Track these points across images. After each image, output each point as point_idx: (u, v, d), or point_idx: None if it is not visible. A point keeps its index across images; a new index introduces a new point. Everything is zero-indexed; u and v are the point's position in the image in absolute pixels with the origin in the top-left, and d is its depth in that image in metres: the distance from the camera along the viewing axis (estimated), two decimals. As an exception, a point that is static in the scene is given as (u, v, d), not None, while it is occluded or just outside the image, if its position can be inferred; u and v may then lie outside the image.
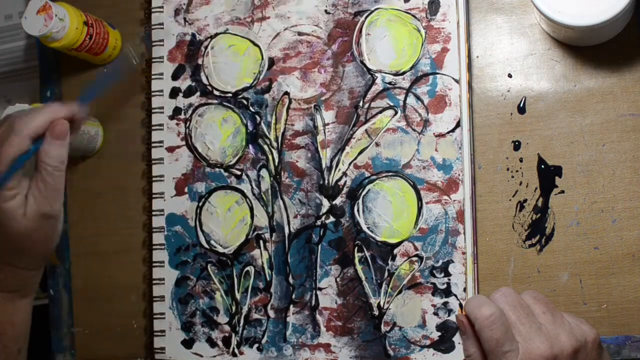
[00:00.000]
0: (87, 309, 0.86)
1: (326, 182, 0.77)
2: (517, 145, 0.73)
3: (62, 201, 0.69)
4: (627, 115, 0.70)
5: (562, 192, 0.71)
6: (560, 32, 0.70)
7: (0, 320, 0.70)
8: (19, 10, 1.00)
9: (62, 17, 0.77)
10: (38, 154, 0.66)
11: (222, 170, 0.80)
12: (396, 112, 0.75)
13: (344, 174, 0.76)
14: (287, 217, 0.78)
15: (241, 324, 0.78)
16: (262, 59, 0.79)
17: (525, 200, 0.72)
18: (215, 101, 0.80)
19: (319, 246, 0.76)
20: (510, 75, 0.73)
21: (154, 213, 0.82)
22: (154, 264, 0.81)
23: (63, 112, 0.67)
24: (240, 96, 0.79)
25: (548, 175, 0.72)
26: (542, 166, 0.72)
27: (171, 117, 0.82)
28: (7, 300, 0.70)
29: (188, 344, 0.80)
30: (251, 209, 0.79)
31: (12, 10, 1.01)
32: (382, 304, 0.74)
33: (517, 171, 0.73)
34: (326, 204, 0.76)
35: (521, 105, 0.73)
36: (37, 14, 0.76)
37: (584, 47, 0.71)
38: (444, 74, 0.74)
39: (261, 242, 0.78)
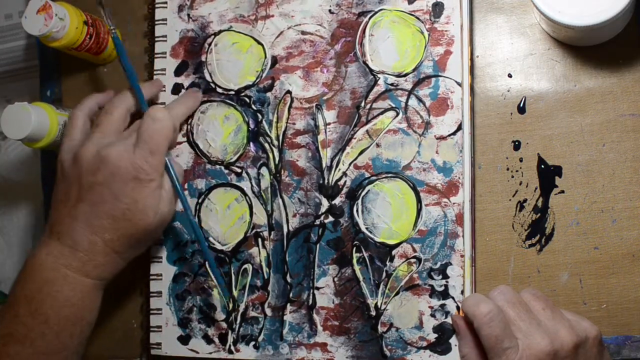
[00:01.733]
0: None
1: (326, 181, 0.77)
2: (517, 145, 0.73)
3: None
4: (627, 115, 0.71)
5: (562, 192, 0.72)
6: (560, 32, 0.70)
7: (84, 306, 0.71)
8: (19, 9, 1.01)
9: (62, 16, 0.77)
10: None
11: (222, 168, 0.80)
12: (398, 114, 0.75)
13: (344, 174, 0.76)
14: (286, 215, 0.77)
15: (238, 322, 0.78)
16: (265, 57, 0.79)
17: (525, 200, 0.72)
18: (218, 99, 0.80)
19: (318, 245, 0.76)
20: (510, 75, 0.74)
21: (153, 208, 0.81)
22: (151, 260, 0.81)
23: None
24: (243, 94, 0.80)
25: (548, 175, 0.72)
26: (542, 166, 0.72)
27: (173, 114, 0.82)
28: (95, 288, 0.72)
29: (184, 340, 0.79)
30: (250, 207, 0.78)
31: (12, 9, 1.01)
32: (379, 304, 0.74)
33: (517, 171, 0.73)
34: (325, 203, 0.76)
35: (521, 105, 0.73)
36: (37, 13, 0.77)
37: (584, 47, 0.72)
38: (447, 77, 0.74)
39: (260, 240, 0.78)
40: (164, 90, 0.82)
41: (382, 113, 0.76)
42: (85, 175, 0.70)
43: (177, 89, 0.82)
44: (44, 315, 0.69)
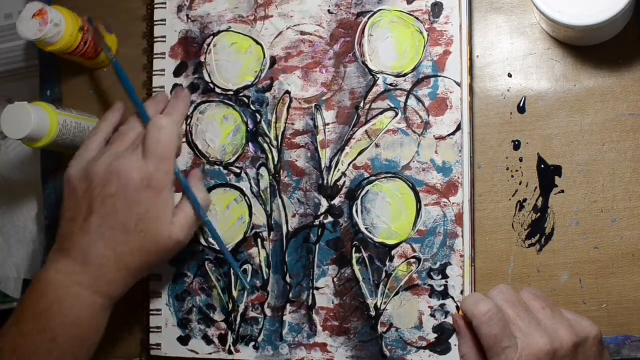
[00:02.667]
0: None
1: (325, 182, 0.76)
2: (517, 145, 0.73)
3: None
4: (627, 115, 0.70)
5: (562, 191, 0.72)
6: (560, 32, 0.70)
7: (92, 326, 0.70)
8: (19, 9, 1.00)
9: (57, 22, 0.78)
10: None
11: (221, 168, 0.80)
12: (397, 114, 0.75)
13: (344, 174, 0.76)
14: (286, 216, 0.77)
15: (238, 322, 0.78)
16: (264, 57, 0.79)
17: (525, 200, 0.72)
18: (217, 99, 0.80)
19: (317, 246, 0.76)
20: (510, 75, 0.74)
21: (152, 209, 0.81)
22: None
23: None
24: (242, 94, 0.80)
25: (548, 175, 0.72)
26: (542, 166, 0.72)
27: (172, 114, 0.82)
28: (104, 308, 0.71)
29: (184, 340, 0.79)
30: (250, 208, 0.78)
31: (12, 9, 1.01)
32: (379, 305, 0.74)
33: (517, 171, 0.73)
34: (325, 204, 0.76)
35: (521, 105, 0.73)
36: (32, 18, 0.77)
37: (584, 47, 0.72)
38: (446, 77, 0.74)
39: (259, 240, 0.78)
40: (163, 91, 0.82)
41: (381, 113, 0.75)
42: (97, 188, 0.69)
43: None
44: (53, 333, 0.67)
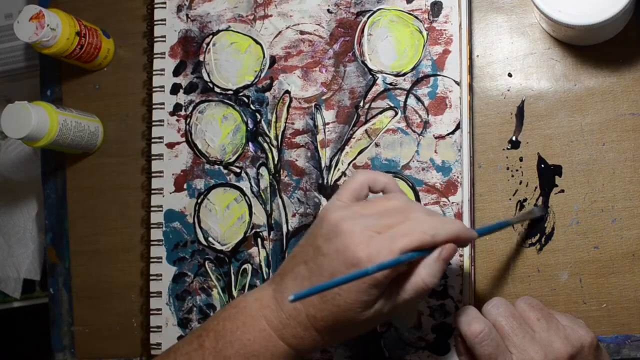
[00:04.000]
0: (87, 307, 0.85)
1: (325, 181, 0.76)
2: (517, 145, 0.73)
3: None
4: (627, 114, 0.70)
5: (562, 191, 0.72)
6: (560, 32, 0.70)
7: None
8: (19, 9, 1.00)
9: (54, 26, 0.78)
10: (417, 267, 0.60)
11: (221, 168, 0.80)
12: (396, 113, 0.75)
13: (343, 173, 0.76)
14: (286, 215, 0.77)
15: (238, 322, 0.78)
16: (264, 57, 0.79)
17: (525, 200, 0.72)
18: (216, 98, 0.80)
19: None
20: (510, 75, 0.74)
21: (152, 209, 0.81)
22: (151, 260, 0.81)
23: (465, 234, 0.61)
24: (241, 94, 0.80)
25: (548, 174, 0.72)
26: (542, 165, 0.72)
27: (172, 114, 0.82)
28: (288, 356, 0.63)
29: (184, 340, 0.79)
30: (250, 207, 0.78)
31: (13, 9, 1.01)
32: (379, 304, 0.74)
33: (517, 170, 0.73)
34: (325, 203, 0.76)
35: (521, 106, 0.73)
36: (29, 20, 0.77)
37: (584, 47, 0.71)
38: (445, 76, 0.74)
39: (259, 240, 0.78)
40: (163, 91, 0.82)
41: (380, 112, 0.75)
42: (320, 238, 0.61)
43: (175, 89, 0.82)
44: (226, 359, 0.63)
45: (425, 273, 0.59)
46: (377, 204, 0.62)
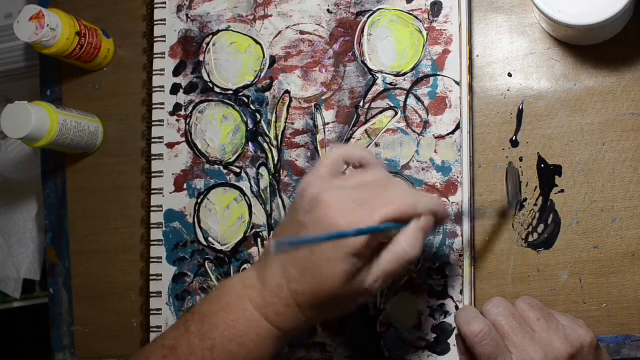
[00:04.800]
0: (87, 307, 0.85)
1: (325, 181, 0.76)
2: (516, 144, 0.73)
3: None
4: (627, 114, 0.70)
5: (562, 191, 0.72)
6: (560, 32, 0.70)
7: (255, 350, 0.63)
8: (20, 9, 1.00)
9: (54, 27, 0.78)
10: (396, 237, 0.60)
11: (221, 168, 0.80)
12: (396, 113, 0.75)
13: (343, 173, 0.76)
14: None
15: (238, 322, 0.78)
16: (264, 57, 0.79)
17: (525, 200, 0.72)
18: (216, 98, 0.80)
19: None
20: (510, 75, 0.74)
21: (152, 209, 0.81)
22: (151, 260, 0.81)
23: (443, 211, 0.62)
24: (241, 94, 0.80)
25: (548, 174, 0.72)
26: (542, 165, 0.72)
27: (172, 114, 0.82)
28: (273, 336, 0.63)
29: (184, 340, 0.79)
30: (250, 207, 0.78)
31: (13, 9, 1.01)
32: (378, 304, 0.74)
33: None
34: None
35: (520, 108, 0.73)
36: (29, 20, 0.77)
37: (584, 47, 0.71)
38: (445, 76, 0.74)
39: (259, 240, 0.78)
40: (163, 91, 0.82)
41: (380, 112, 0.75)
42: (301, 213, 0.61)
43: (175, 89, 0.82)
44: (211, 341, 0.62)
45: (405, 241, 0.59)
46: (356, 177, 0.63)
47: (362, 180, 0.62)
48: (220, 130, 0.80)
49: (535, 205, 0.72)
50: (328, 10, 0.78)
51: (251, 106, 0.79)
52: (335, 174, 0.64)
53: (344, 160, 0.65)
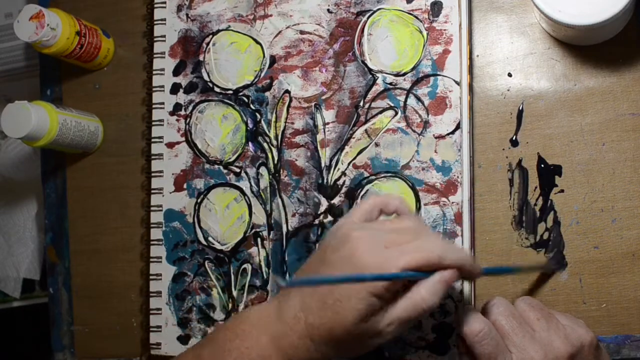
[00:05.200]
0: (86, 307, 0.85)
1: (325, 181, 0.76)
2: (516, 144, 0.73)
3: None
4: (627, 114, 0.70)
5: (562, 191, 0.71)
6: (560, 32, 0.70)
7: None
8: (20, 8, 1.00)
9: (54, 26, 0.78)
10: (417, 285, 0.59)
11: (221, 167, 0.80)
12: (396, 113, 0.75)
13: (343, 173, 0.76)
14: (285, 215, 0.77)
15: (238, 322, 0.78)
16: (264, 56, 0.79)
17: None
18: (216, 98, 0.80)
19: (317, 245, 0.76)
20: (510, 75, 0.74)
21: (152, 208, 0.81)
22: (151, 260, 0.81)
23: (471, 266, 0.61)
24: (241, 93, 0.80)
25: (548, 174, 0.72)
26: (542, 165, 0.72)
27: (171, 113, 0.82)
28: None
29: (184, 340, 0.79)
30: (249, 207, 0.78)
31: (13, 8, 1.01)
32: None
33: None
34: (324, 203, 0.76)
35: (520, 107, 0.73)
36: (29, 20, 0.77)
37: (584, 47, 0.71)
38: (445, 76, 0.74)
39: (259, 240, 0.78)
40: (163, 91, 0.82)
41: (380, 112, 0.75)
42: (329, 250, 0.62)
43: (175, 88, 0.82)
44: None
45: (425, 291, 0.59)
46: (390, 223, 0.63)
47: (396, 226, 0.63)
48: (220, 129, 0.80)
49: (535, 205, 0.72)
50: (328, 10, 0.78)
51: (251, 106, 0.79)
52: (368, 221, 0.64)
53: (379, 209, 0.65)
